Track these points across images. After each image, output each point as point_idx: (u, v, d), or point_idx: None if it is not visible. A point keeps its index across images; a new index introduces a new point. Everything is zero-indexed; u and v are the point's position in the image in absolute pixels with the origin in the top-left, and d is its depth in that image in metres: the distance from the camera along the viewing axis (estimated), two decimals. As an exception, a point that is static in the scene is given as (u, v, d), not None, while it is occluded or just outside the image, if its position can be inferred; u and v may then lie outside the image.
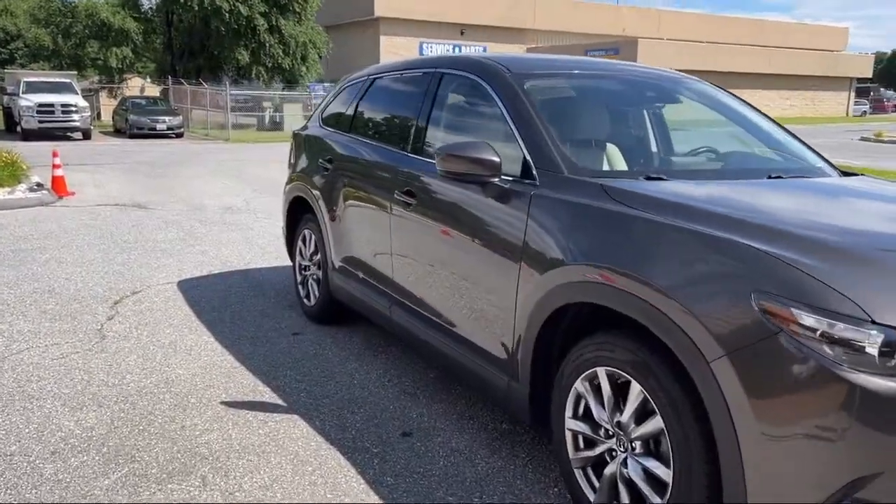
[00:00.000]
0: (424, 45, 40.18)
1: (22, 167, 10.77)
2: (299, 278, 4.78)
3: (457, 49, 39.92)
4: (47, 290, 5.22)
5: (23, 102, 20.64)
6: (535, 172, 2.67)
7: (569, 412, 2.45)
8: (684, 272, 2.04)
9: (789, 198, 2.63)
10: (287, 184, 4.93)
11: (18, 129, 21.10)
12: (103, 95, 33.44)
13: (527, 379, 2.59)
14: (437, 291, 3.16)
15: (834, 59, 51.83)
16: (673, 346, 1.99)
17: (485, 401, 3.39)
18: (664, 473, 2.09)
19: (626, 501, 2.23)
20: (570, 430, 2.45)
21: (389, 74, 4.13)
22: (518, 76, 3.08)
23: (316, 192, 4.38)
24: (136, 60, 32.08)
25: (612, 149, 2.98)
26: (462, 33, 41.11)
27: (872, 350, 1.69)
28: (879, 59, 77.17)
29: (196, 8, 27.45)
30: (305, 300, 4.69)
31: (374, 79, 4.23)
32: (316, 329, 4.45)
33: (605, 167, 2.90)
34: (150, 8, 31.65)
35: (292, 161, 4.96)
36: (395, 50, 37.60)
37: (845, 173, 3.18)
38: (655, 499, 2.12)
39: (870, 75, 55.94)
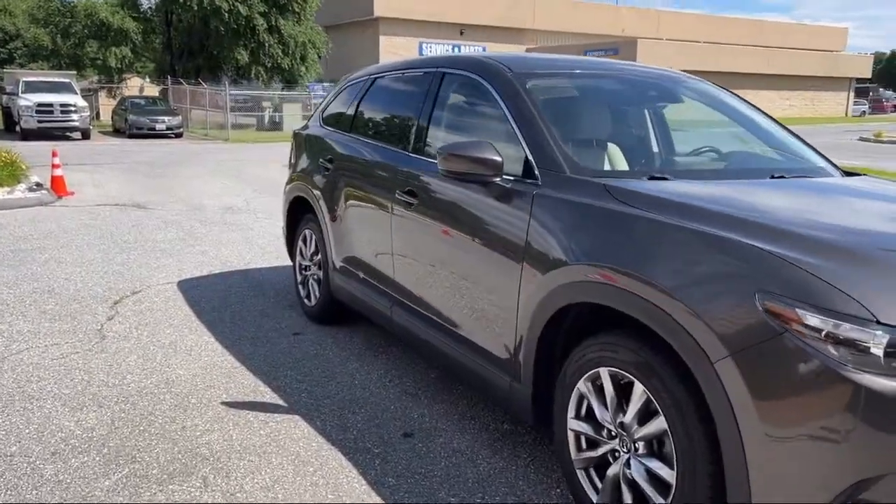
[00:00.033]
0: (424, 45, 40.18)
1: (21, 167, 10.75)
2: (300, 278, 4.77)
3: (456, 49, 39.92)
4: (47, 290, 5.21)
5: (22, 102, 20.62)
6: (537, 172, 2.66)
7: (571, 413, 2.44)
8: (688, 272, 2.03)
9: (793, 198, 2.63)
10: (287, 184, 4.92)
11: (17, 128, 21.09)
12: (102, 95, 33.43)
13: (529, 379, 2.58)
14: (439, 291, 3.16)
15: (833, 60, 51.88)
16: (677, 346, 1.98)
17: (486, 401, 3.38)
18: (667, 474, 2.08)
19: (629, 502, 2.22)
20: (572, 430, 2.44)
21: (390, 74, 4.12)
22: (520, 76, 3.07)
23: (317, 192, 4.37)
24: (136, 60, 32.05)
25: (614, 148, 2.97)
26: (461, 33, 41.12)
27: (877, 350, 1.69)
28: (878, 59, 77.27)
29: (195, 8, 27.43)
30: (306, 300, 4.68)
31: (375, 78, 4.22)
32: (316, 329, 4.44)
33: (607, 167, 2.89)
34: (150, 8, 31.64)
35: (293, 161, 4.95)
36: (394, 50, 37.59)
37: (848, 173, 3.18)
38: (658, 499, 2.11)
39: (869, 76, 56.01)
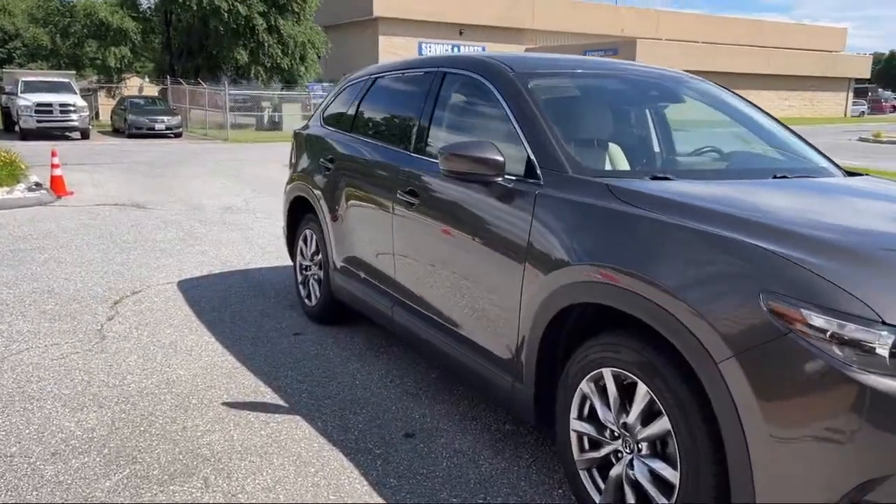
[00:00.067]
0: (423, 45, 40.17)
1: (20, 167, 10.73)
2: (300, 278, 4.76)
3: (455, 49, 39.91)
4: (46, 290, 5.20)
5: (21, 102, 20.60)
6: (539, 172, 2.65)
7: (574, 413, 2.43)
8: (691, 272, 2.02)
9: (795, 198, 2.62)
10: (288, 183, 4.91)
11: (17, 128, 21.07)
12: (102, 95, 33.38)
13: (531, 380, 2.58)
14: (440, 291, 3.15)
15: (832, 60, 51.89)
16: (680, 346, 1.97)
17: (488, 401, 3.37)
18: (671, 475, 2.08)
19: (632, 503, 2.22)
20: (575, 431, 2.44)
21: (391, 74, 4.11)
22: (521, 75, 3.06)
23: (317, 192, 4.36)
24: (135, 60, 32.02)
25: (615, 148, 2.96)
26: (461, 33, 41.11)
27: (883, 351, 1.68)
28: (877, 59, 77.33)
29: (195, 7, 27.41)
30: (306, 300, 4.67)
31: (376, 78, 4.21)
32: (317, 329, 4.44)
33: (609, 167, 2.89)
34: (149, 7, 31.60)
35: (293, 161, 4.94)
36: (393, 50, 37.57)
37: (850, 173, 3.17)
38: (662, 500, 2.11)
39: (868, 76, 56.03)
